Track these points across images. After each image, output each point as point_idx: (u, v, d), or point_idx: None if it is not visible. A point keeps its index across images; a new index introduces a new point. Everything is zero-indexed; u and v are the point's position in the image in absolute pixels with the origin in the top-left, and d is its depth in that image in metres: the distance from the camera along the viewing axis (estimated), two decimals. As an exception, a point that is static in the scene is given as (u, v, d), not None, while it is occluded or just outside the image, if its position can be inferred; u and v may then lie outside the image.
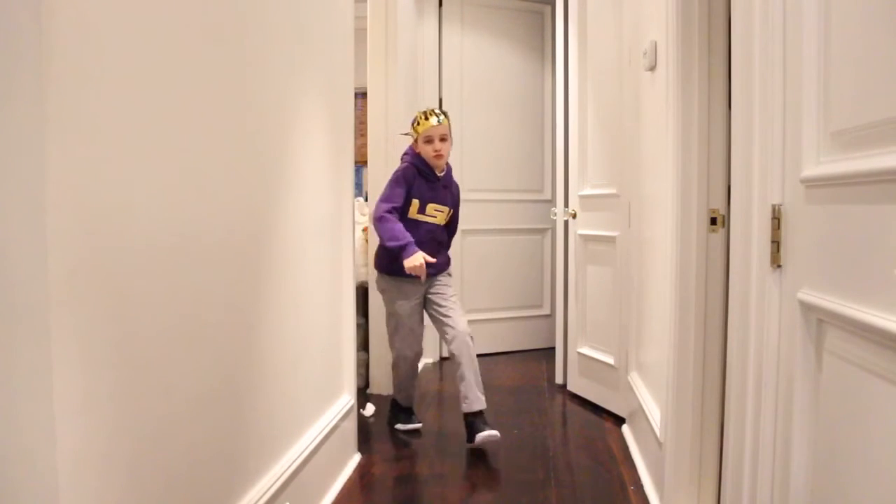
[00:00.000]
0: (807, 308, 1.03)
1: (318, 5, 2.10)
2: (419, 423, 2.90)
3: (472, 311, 4.02)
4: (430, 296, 2.76)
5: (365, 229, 3.45)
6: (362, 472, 2.44)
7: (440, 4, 4.18)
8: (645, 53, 2.38)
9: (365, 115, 3.46)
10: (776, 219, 1.13)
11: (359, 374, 3.08)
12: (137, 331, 1.10)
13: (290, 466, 1.78)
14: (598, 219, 3.23)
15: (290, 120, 1.83)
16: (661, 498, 2.04)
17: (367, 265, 3.41)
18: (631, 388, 2.70)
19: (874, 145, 0.85)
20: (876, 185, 0.84)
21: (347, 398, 2.45)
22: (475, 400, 2.61)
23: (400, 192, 2.63)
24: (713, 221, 1.87)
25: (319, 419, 2.13)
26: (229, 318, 1.45)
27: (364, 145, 3.58)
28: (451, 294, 2.76)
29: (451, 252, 2.90)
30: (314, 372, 2.09)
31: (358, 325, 2.72)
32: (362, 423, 2.84)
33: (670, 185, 1.95)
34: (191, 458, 1.29)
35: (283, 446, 1.79)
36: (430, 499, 2.26)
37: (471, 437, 2.60)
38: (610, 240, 3.10)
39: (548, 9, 4.38)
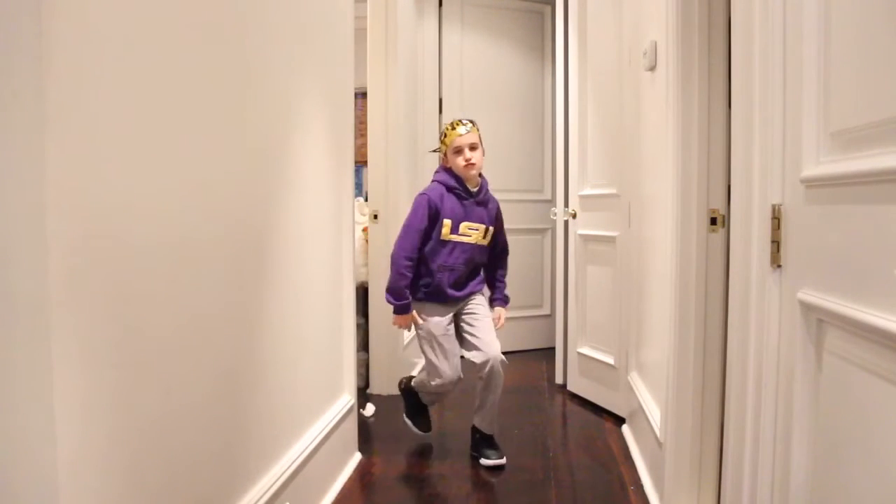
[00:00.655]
0: (807, 308, 1.03)
1: (318, 5, 2.10)
2: (429, 431, 2.81)
3: (472, 311, 4.01)
4: (462, 314, 2.61)
5: (365, 229, 3.45)
6: (362, 472, 2.44)
7: (440, 4, 4.18)
8: (645, 53, 2.38)
9: (365, 115, 3.46)
10: (776, 219, 1.13)
11: (359, 374, 3.08)
12: (137, 331, 1.10)
13: (290, 466, 1.78)
14: (598, 219, 3.23)
15: (290, 120, 1.83)
16: (661, 498, 2.03)
17: (366, 265, 3.41)
18: (631, 388, 2.70)
19: (874, 145, 0.85)
20: (876, 185, 0.84)
21: (347, 398, 2.45)
22: (491, 423, 2.57)
23: (416, 233, 2.47)
24: (713, 221, 1.87)
25: (319, 419, 2.13)
26: (229, 318, 1.45)
27: (364, 145, 3.57)
28: (485, 314, 2.60)
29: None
30: (314, 372, 2.09)
31: (358, 325, 2.72)
32: (362, 422, 2.84)
33: (670, 185, 1.95)
34: (191, 458, 1.28)
35: (283, 446, 1.79)
36: (430, 499, 2.26)
37: (475, 450, 2.59)
38: (610, 240, 3.10)
39: (548, 9, 4.38)
